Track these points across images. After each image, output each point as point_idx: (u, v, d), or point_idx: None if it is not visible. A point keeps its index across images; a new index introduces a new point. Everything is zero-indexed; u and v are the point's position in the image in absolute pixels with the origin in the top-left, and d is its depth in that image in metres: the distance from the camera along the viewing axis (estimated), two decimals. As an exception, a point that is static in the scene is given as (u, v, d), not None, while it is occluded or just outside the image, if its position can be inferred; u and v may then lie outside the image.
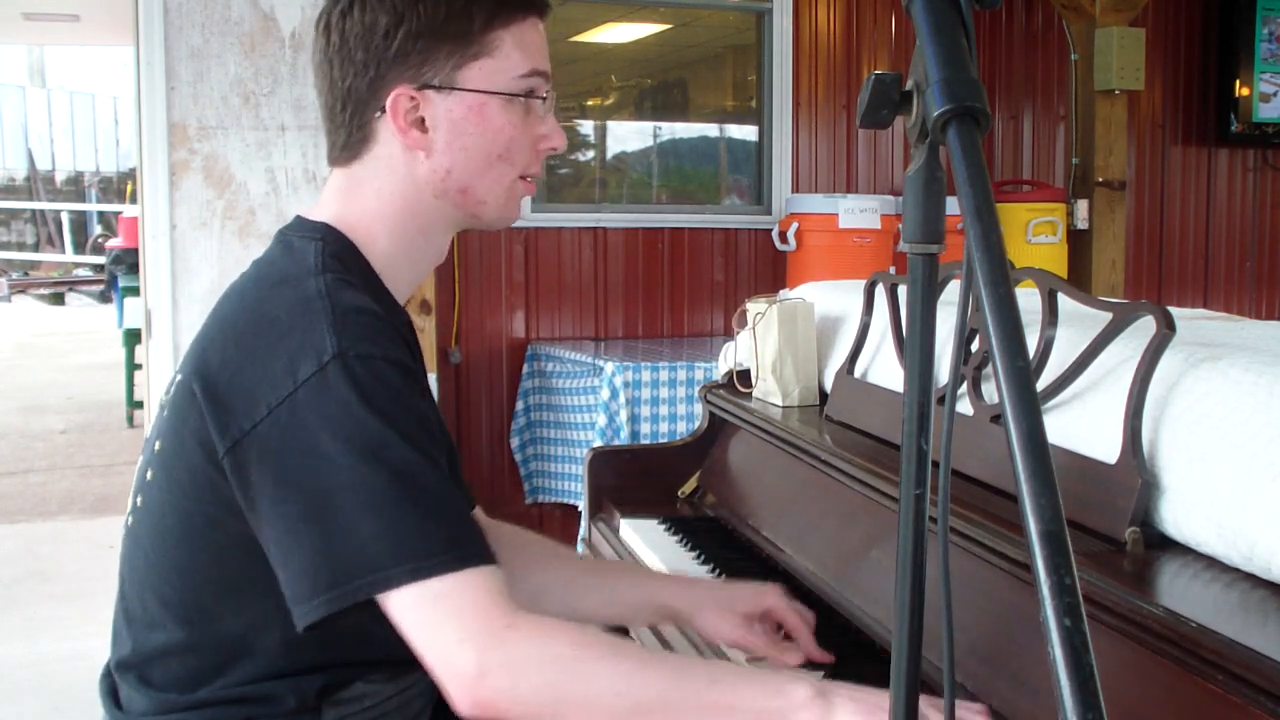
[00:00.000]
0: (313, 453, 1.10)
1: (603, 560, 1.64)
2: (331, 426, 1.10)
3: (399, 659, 1.27)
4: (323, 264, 1.23)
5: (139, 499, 1.30)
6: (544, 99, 1.32)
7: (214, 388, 1.18)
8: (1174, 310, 1.31)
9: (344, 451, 1.09)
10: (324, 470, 1.10)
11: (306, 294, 1.19)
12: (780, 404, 2.11)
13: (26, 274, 16.79)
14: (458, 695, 1.09)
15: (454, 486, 1.16)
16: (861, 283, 2.02)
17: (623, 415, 3.75)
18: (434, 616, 1.09)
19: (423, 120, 1.27)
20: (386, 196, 1.30)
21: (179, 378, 1.26)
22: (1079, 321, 1.44)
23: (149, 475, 1.28)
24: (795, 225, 4.61)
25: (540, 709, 1.09)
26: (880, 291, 1.92)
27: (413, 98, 1.26)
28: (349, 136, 1.30)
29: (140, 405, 6.76)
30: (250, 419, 1.14)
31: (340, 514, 1.09)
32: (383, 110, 1.27)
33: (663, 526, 2.06)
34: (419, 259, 1.34)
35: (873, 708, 1.11)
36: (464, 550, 1.10)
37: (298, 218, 1.34)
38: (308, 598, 1.10)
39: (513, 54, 1.29)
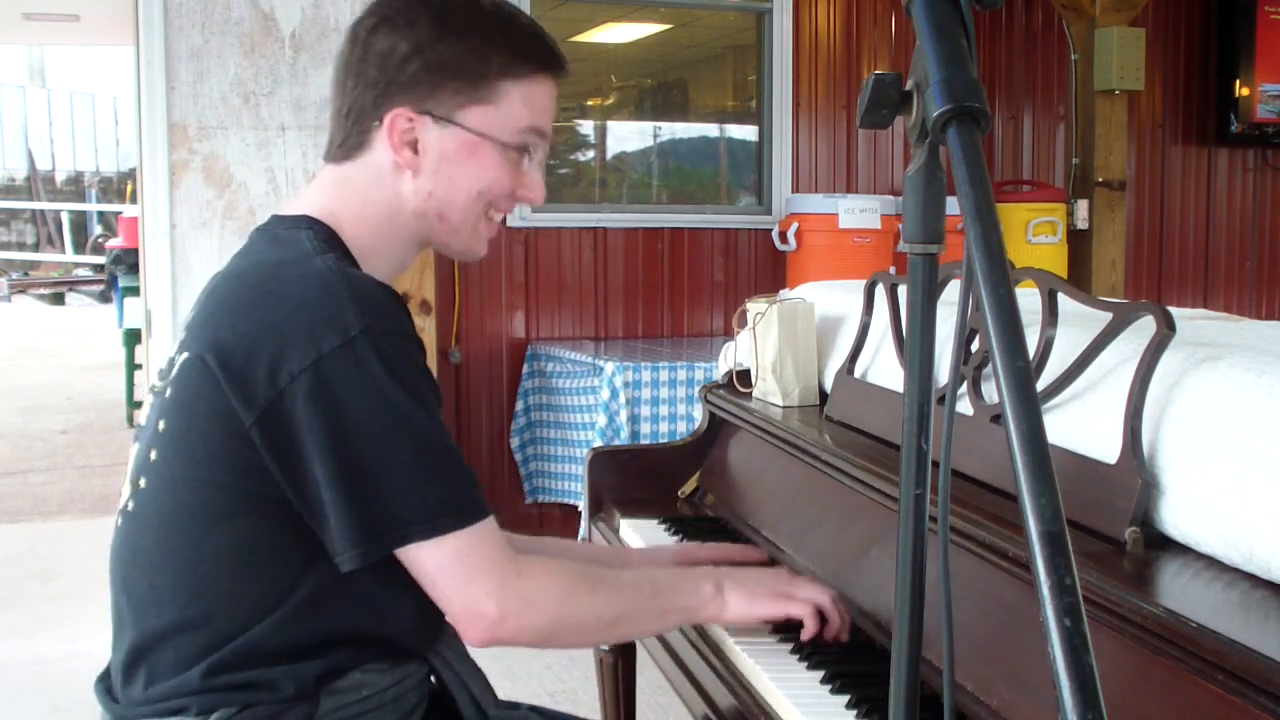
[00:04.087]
0: (343, 419, 1.19)
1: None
2: (361, 397, 1.20)
3: (397, 649, 1.33)
4: (319, 247, 1.30)
5: (141, 481, 1.31)
6: (533, 155, 1.39)
7: (230, 361, 1.22)
8: (1174, 310, 1.30)
9: (372, 420, 1.20)
10: (354, 436, 1.19)
11: (317, 270, 1.25)
12: (780, 404, 2.11)
13: (26, 274, 16.80)
14: (477, 636, 1.28)
15: (460, 450, 1.29)
16: (861, 283, 2.02)
17: (623, 415, 3.75)
18: (461, 572, 1.24)
19: (416, 142, 1.33)
20: (371, 202, 1.36)
21: (185, 356, 1.28)
22: (1079, 321, 1.44)
23: (152, 456, 1.30)
24: (795, 225, 4.61)
25: (544, 638, 1.34)
26: (880, 291, 1.92)
27: (410, 119, 1.32)
28: (346, 138, 1.37)
29: (140, 405, 6.76)
30: (274, 387, 1.20)
31: (370, 476, 1.20)
32: (380, 123, 1.33)
33: (663, 526, 2.06)
34: (387, 266, 1.40)
35: (754, 594, 1.46)
36: (473, 507, 1.25)
37: (274, 216, 1.40)
38: (343, 550, 1.22)
39: (518, 107, 1.35)
